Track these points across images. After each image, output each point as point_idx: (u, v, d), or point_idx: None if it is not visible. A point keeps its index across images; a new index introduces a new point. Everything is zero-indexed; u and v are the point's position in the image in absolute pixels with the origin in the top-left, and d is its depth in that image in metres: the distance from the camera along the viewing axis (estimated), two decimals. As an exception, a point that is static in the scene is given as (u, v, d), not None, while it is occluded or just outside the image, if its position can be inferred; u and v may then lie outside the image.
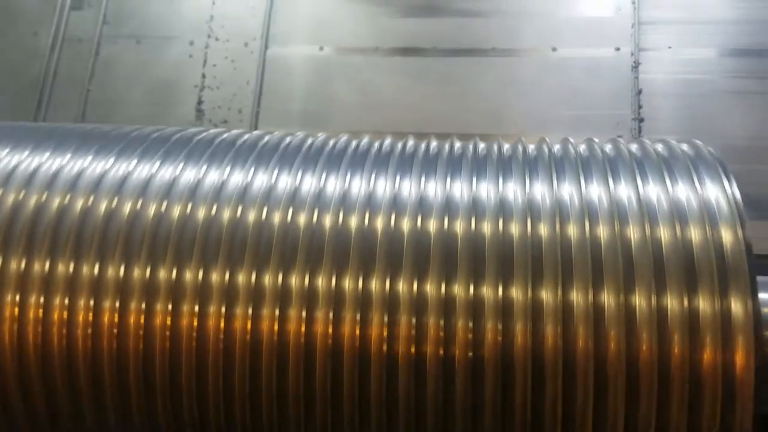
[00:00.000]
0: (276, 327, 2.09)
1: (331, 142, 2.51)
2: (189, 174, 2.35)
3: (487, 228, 2.14)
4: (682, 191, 2.16)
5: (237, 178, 2.34)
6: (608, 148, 2.39)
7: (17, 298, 2.18)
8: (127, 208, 2.26)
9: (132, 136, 2.54)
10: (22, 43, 6.34)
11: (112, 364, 2.14)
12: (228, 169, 2.37)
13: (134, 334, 2.13)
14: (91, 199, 2.29)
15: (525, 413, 2.00)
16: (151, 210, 2.25)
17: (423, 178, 2.30)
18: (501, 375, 2.01)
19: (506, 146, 2.46)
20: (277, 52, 6.13)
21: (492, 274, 2.07)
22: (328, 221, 2.19)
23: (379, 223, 2.17)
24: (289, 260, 2.13)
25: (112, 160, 2.41)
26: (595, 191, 2.19)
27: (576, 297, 2.02)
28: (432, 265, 2.09)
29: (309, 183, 2.31)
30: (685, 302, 1.99)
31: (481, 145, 2.46)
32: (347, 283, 2.10)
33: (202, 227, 2.20)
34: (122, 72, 6.24)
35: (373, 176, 2.31)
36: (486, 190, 2.24)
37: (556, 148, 2.43)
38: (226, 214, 2.22)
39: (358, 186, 2.28)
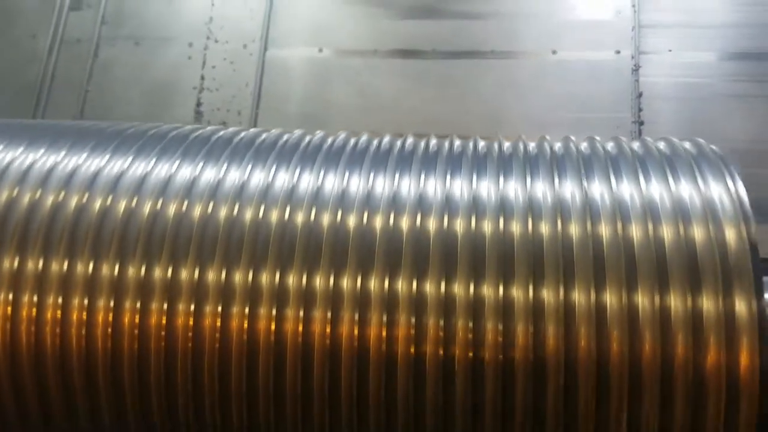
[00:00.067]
0: (273, 326, 2.06)
1: (330, 140, 2.48)
2: (185, 171, 2.32)
3: (487, 227, 2.11)
4: (685, 189, 2.13)
5: (234, 176, 2.31)
6: (610, 146, 2.37)
7: (10, 296, 2.15)
8: (122, 205, 2.23)
9: (128, 133, 2.51)
10: (20, 44, 6.33)
11: (106, 364, 2.11)
12: (225, 166, 2.34)
13: (129, 334, 2.10)
14: (86, 196, 2.26)
15: (526, 414, 1.97)
16: (147, 208, 2.22)
17: (422, 176, 2.27)
18: (501, 376, 1.98)
19: (507, 144, 2.43)
20: (276, 54, 6.11)
21: (492, 273, 2.04)
22: (326, 220, 2.16)
23: (378, 222, 2.14)
24: (287, 259, 2.11)
25: (107, 157, 2.38)
26: (597, 189, 2.16)
27: (578, 297, 2.00)
28: (432, 264, 2.07)
29: (307, 181, 2.28)
30: (689, 302, 1.96)
31: (482, 143, 2.44)
32: (346, 282, 2.07)
33: (198, 225, 2.18)
34: (121, 73, 6.21)
35: (372, 174, 2.29)
36: (486, 188, 2.21)
37: (557, 146, 2.40)
38: (223, 213, 2.20)
39: (356, 184, 2.25)
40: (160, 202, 2.23)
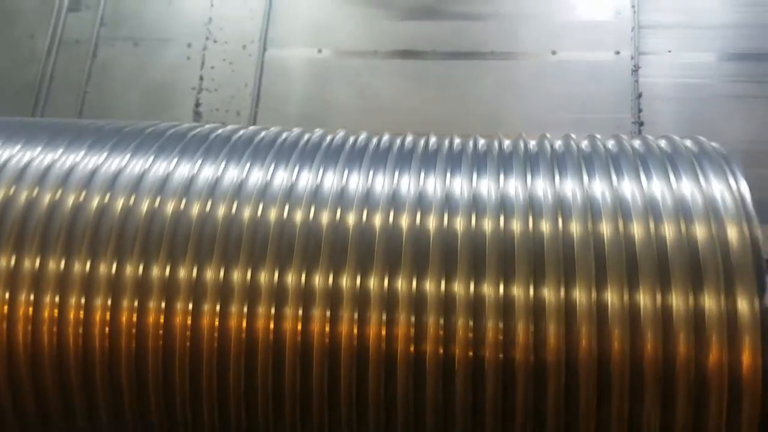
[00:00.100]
0: (272, 325, 2.04)
1: (329, 138, 2.47)
2: (183, 169, 2.31)
3: (487, 225, 2.10)
4: (687, 187, 2.12)
5: (232, 174, 2.29)
6: (611, 143, 2.35)
7: (6, 295, 2.14)
8: (119, 203, 2.22)
9: (126, 131, 2.50)
10: (18, 44, 6.31)
11: (103, 362, 2.09)
12: (223, 164, 2.32)
13: (126, 332, 2.09)
14: (83, 194, 2.25)
15: (526, 414, 1.96)
16: (145, 206, 2.21)
17: (422, 174, 2.25)
18: (502, 375, 1.97)
19: (507, 142, 2.42)
20: (275, 54, 6.09)
21: (493, 271, 2.03)
22: (325, 218, 2.15)
23: (378, 220, 2.13)
24: (286, 257, 2.09)
25: (105, 155, 2.37)
26: (598, 187, 2.15)
27: (579, 295, 1.98)
28: (431, 262, 2.05)
29: (306, 179, 2.26)
30: (691, 300, 1.94)
31: (482, 141, 2.42)
32: (345, 281, 2.05)
33: (196, 224, 2.16)
34: (119, 74, 6.19)
35: (372, 172, 2.27)
36: (487, 186, 2.20)
37: (558, 144, 2.38)
38: (221, 211, 2.18)
39: (356, 182, 2.24)
40: (158, 200, 2.22)
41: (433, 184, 2.22)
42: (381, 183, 2.23)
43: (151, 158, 2.35)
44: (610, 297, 1.97)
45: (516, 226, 2.09)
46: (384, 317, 2.01)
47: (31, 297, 2.13)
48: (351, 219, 2.14)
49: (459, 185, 2.20)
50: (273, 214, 2.17)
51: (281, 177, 2.27)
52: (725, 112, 5.41)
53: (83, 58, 6.26)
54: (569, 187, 2.16)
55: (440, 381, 1.99)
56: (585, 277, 1.99)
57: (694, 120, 5.40)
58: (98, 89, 6.21)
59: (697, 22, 5.71)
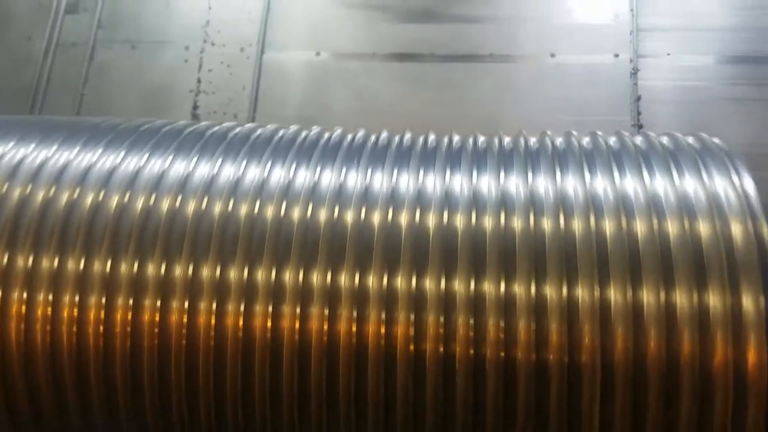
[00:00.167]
0: (269, 323, 2.01)
1: (326, 136, 2.44)
2: (179, 167, 2.28)
3: (488, 222, 2.07)
4: (690, 184, 2.09)
5: (228, 171, 2.26)
6: (612, 141, 2.33)
7: (-1, 293, 2.10)
8: (114, 201, 2.19)
9: (121, 128, 2.47)
10: (15, 46, 6.29)
11: (98, 361, 2.06)
12: (219, 162, 2.29)
13: (121, 331, 2.05)
14: (77, 192, 2.22)
15: (528, 413, 1.92)
16: (140, 203, 2.18)
17: (422, 172, 2.23)
18: (503, 374, 1.93)
19: (507, 139, 2.39)
20: (273, 57, 6.08)
21: (493, 269, 2.00)
22: (323, 216, 2.12)
23: (376, 218, 2.10)
24: (283, 255, 2.06)
25: (99, 152, 2.34)
26: (600, 184, 2.12)
27: (581, 293, 1.95)
28: (431, 260, 2.02)
29: (303, 177, 2.23)
30: (695, 298, 1.92)
31: (481, 139, 2.40)
32: (343, 280, 2.02)
33: (192, 221, 2.13)
34: (117, 77, 6.17)
35: (370, 170, 2.24)
36: (487, 183, 2.17)
37: (559, 141, 2.36)
38: (217, 208, 2.15)
39: (354, 180, 2.21)
40: (153, 197, 2.19)
41: (432, 182, 2.19)
42: (380, 180, 2.20)
43: (147, 155, 2.32)
44: (613, 295, 1.94)
45: (517, 223, 2.06)
46: (383, 315, 1.98)
47: (25, 295, 2.10)
48: (349, 216, 2.11)
49: (459, 182, 2.18)
50: (270, 212, 2.14)
51: (278, 174, 2.24)
52: (724, 115, 5.40)
53: (80, 61, 6.23)
54: (571, 184, 2.13)
55: (440, 379, 1.96)
56: (587, 274, 1.96)
57: (693, 123, 5.39)
58: (95, 92, 6.18)
59: (696, 25, 5.71)
